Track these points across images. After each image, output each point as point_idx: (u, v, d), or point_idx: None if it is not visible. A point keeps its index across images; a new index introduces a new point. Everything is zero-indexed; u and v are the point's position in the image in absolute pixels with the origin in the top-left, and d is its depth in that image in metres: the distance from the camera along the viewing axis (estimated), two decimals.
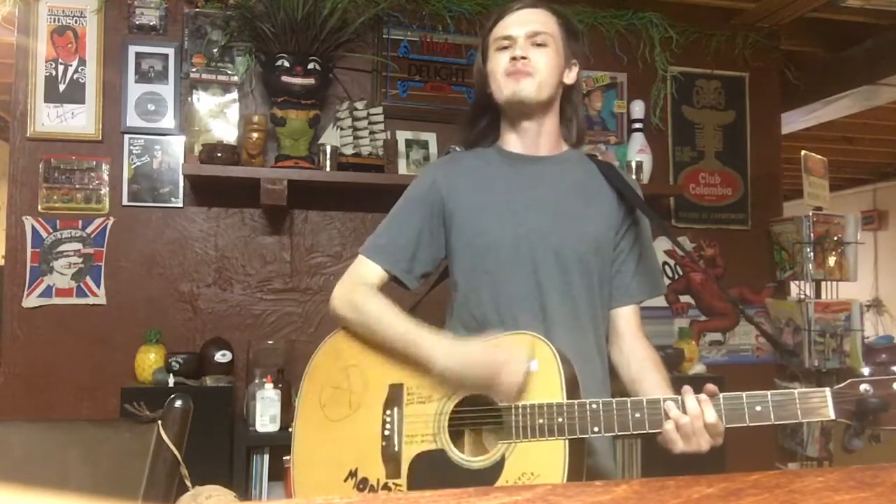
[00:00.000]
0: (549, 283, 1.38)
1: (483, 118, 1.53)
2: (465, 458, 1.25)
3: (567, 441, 1.18)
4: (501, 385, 1.22)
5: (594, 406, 1.18)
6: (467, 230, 1.42)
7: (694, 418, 1.15)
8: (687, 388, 1.19)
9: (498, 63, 1.42)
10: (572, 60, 1.48)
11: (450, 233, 1.45)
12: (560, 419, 1.18)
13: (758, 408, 1.15)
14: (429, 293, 1.59)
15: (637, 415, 1.18)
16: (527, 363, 1.21)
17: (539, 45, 1.41)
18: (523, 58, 1.39)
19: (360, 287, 1.42)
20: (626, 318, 1.46)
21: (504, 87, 1.41)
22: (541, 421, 1.19)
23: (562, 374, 1.20)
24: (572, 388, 1.21)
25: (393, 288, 1.46)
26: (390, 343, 1.34)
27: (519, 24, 1.42)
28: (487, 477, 1.20)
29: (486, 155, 1.49)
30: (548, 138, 1.47)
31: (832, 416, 1.11)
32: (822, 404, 1.12)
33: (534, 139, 1.46)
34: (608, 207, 1.46)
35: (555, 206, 1.42)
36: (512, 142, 1.48)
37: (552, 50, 1.42)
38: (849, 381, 1.11)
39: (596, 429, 1.18)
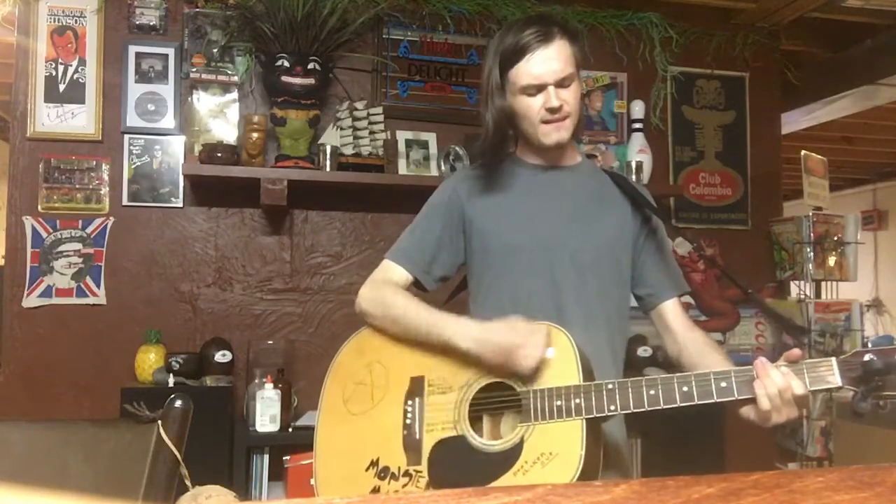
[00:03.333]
0: (564, 284, 1.44)
1: (501, 140, 1.52)
2: (484, 441, 1.29)
3: (584, 421, 1.22)
4: (517, 365, 1.26)
5: (610, 387, 1.22)
6: (485, 235, 1.49)
7: (782, 391, 1.16)
8: (764, 360, 1.20)
9: (530, 109, 1.43)
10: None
11: (469, 238, 1.52)
12: (577, 400, 1.22)
13: None
14: (449, 301, 1.64)
15: (651, 392, 1.21)
16: (544, 347, 1.25)
17: (567, 86, 1.42)
18: (560, 108, 1.41)
19: (385, 285, 1.49)
20: (672, 311, 1.51)
21: (545, 137, 1.44)
22: (559, 403, 1.23)
23: (578, 360, 1.25)
24: (588, 374, 1.26)
25: (416, 292, 1.52)
26: (415, 331, 1.40)
27: (547, 70, 1.40)
28: (507, 458, 1.24)
29: (506, 165, 1.55)
30: (565, 150, 1.52)
31: (839, 382, 1.14)
32: (828, 372, 1.15)
33: (553, 153, 1.51)
34: (623, 214, 1.52)
35: (570, 211, 1.48)
36: (531, 155, 1.54)
37: (576, 81, 1.45)
38: (854, 350, 1.15)
39: (612, 408, 1.21)
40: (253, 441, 2.41)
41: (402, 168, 2.77)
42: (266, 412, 2.38)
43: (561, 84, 1.41)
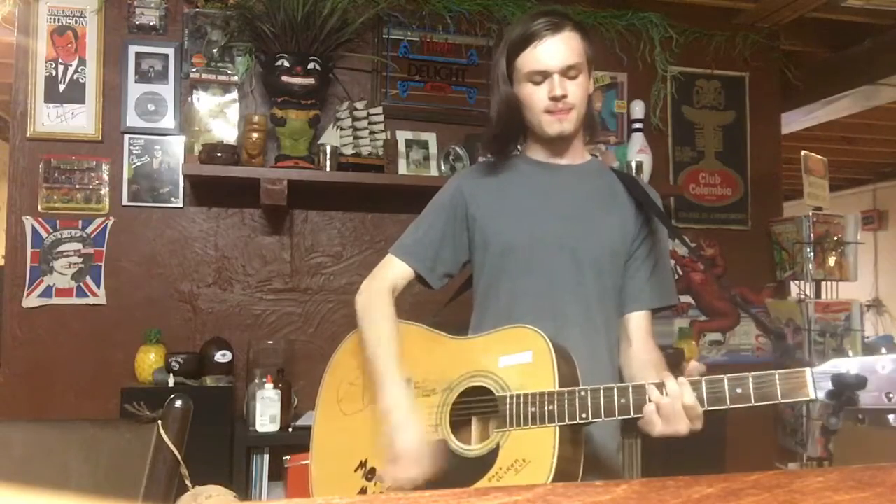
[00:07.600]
0: (562, 284, 1.42)
1: (506, 130, 1.51)
2: (462, 446, 1.30)
3: (558, 428, 1.20)
4: (383, 470, 1.31)
5: (583, 394, 1.21)
6: (486, 233, 1.48)
7: (674, 399, 1.15)
8: (667, 374, 1.19)
9: (535, 99, 1.41)
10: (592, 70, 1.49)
11: (472, 236, 1.51)
12: (550, 407, 1.21)
13: (738, 389, 1.13)
14: (456, 298, 1.66)
15: (623, 400, 1.19)
16: (413, 478, 1.26)
17: (573, 77, 1.40)
18: (563, 96, 1.39)
19: (383, 294, 1.47)
20: (636, 323, 1.49)
21: (548, 127, 1.42)
22: (533, 409, 1.23)
23: (555, 367, 1.24)
24: (567, 380, 1.24)
25: (426, 290, 1.54)
26: (367, 360, 1.42)
27: (553, 58, 1.39)
28: (483, 464, 1.25)
29: (511, 162, 1.54)
30: (571, 147, 1.51)
31: (812, 395, 1.08)
32: (801, 384, 1.09)
33: (559, 149, 1.50)
34: (626, 215, 1.49)
35: (572, 211, 1.46)
36: (537, 151, 1.52)
37: (584, 76, 1.43)
38: (831, 360, 1.08)
39: (584, 415, 1.20)
40: (253, 441, 2.40)
41: (402, 168, 2.77)
42: (266, 412, 2.38)
43: (566, 73, 1.39)
